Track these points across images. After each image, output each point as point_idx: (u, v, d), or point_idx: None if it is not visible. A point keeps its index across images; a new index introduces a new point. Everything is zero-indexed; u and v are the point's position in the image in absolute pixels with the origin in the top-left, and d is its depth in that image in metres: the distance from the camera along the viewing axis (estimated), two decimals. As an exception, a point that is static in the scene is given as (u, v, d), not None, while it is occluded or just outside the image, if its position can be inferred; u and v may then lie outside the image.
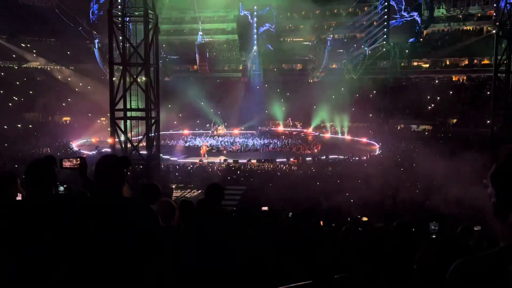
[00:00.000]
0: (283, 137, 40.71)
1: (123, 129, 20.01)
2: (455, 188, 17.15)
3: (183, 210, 5.13)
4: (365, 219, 14.46)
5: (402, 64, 45.44)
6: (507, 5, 23.72)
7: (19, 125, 38.50)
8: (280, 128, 44.14)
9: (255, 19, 48.18)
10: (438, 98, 41.58)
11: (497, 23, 25.89)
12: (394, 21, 41.24)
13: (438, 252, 4.29)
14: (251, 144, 37.35)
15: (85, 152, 30.83)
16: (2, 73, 44.74)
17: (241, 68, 50.58)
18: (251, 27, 47.47)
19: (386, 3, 41.47)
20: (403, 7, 40.67)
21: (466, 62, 42.91)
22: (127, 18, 20.09)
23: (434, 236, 6.73)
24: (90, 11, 42.20)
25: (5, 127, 37.35)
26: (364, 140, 38.68)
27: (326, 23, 51.10)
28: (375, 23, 45.91)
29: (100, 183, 2.84)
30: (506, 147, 1.38)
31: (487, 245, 7.17)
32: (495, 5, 26.67)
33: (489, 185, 1.39)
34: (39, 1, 46.72)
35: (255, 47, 47.66)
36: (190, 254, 3.85)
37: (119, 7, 20.46)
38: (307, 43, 50.13)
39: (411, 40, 42.60)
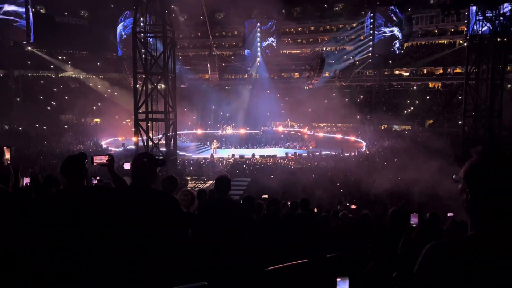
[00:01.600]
0: (282, 134, 40.86)
1: (145, 129, 20.11)
2: (431, 179, 17.15)
3: (200, 198, 5.18)
4: (353, 206, 14.46)
5: (386, 73, 45.39)
6: (477, 22, 23.76)
7: (56, 126, 38.70)
8: (280, 128, 44.12)
9: (259, 34, 48.16)
10: (417, 102, 41.63)
11: (468, 37, 25.87)
12: (378, 34, 41.12)
13: (415, 236, 4.29)
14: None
15: (113, 148, 30.89)
16: (42, 81, 44.97)
17: (246, 76, 50.54)
18: (255, 41, 47.48)
19: (372, 20, 41.37)
20: (383, 23, 40.68)
21: (441, 71, 42.88)
22: (148, 34, 20.14)
23: (413, 224, 6.70)
24: (118, 32, 42.19)
25: (44, 127, 37.60)
26: (352, 138, 38.65)
27: (320, 36, 51.06)
28: (362, 38, 45.78)
29: (136, 175, 2.86)
30: (476, 149, 1.38)
31: (459, 230, 7.17)
32: (466, 21, 26.67)
33: (461, 181, 1.39)
34: (73, 19, 46.78)
35: (259, 58, 47.65)
36: (204, 235, 3.87)
37: (141, 24, 20.54)
38: (303, 54, 50.22)
39: (391, 51, 42.52)
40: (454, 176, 1.45)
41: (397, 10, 40.92)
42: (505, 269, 1.24)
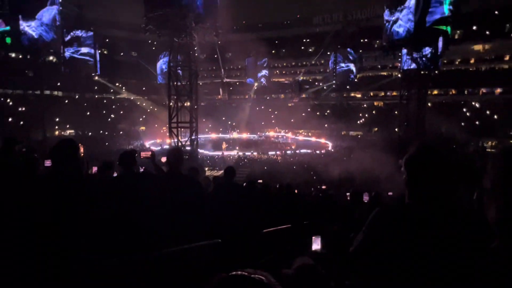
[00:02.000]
0: (273, 139, 40.94)
1: (176, 134, 20.09)
2: (376, 168, 17.18)
3: (214, 182, 5.17)
4: (324, 187, 14.49)
5: (345, 95, 45.51)
6: (407, 60, 23.95)
7: (114, 133, 38.84)
8: (271, 134, 44.15)
9: (256, 68, 48.36)
10: (366, 115, 41.69)
11: (401, 71, 26.10)
12: (339, 68, 41.29)
13: (366, 207, 4.31)
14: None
15: (153, 148, 30.83)
16: (105, 101, 44.92)
17: (246, 97, 50.63)
18: (254, 72, 47.69)
19: (334, 59, 41.64)
20: (342, 60, 40.98)
21: (383, 94, 42.96)
22: (179, 68, 20.15)
23: (365, 199, 6.71)
24: (158, 66, 42.46)
25: (106, 133, 37.69)
26: (322, 140, 38.64)
27: (299, 69, 51.40)
28: (328, 70, 45.97)
29: (170, 164, 2.86)
30: (415, 143, 1.40)
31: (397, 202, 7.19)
32: (399, 59, 26.92)
33: (402, 166, 1.40)
34: (126, 57, 47.06)
35: (256, 84, 47.81)
36: (217, 207, 3.87)
37: (174, 61, 20.56)
38: (287, 82, 50.70)
39: (348, 80, 42.82)
40: (399, 161, 1.47)
41: (352, 52, 41.12)
42: (424, 225, 1.28)
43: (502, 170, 0.75)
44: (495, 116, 30.94)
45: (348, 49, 41.77)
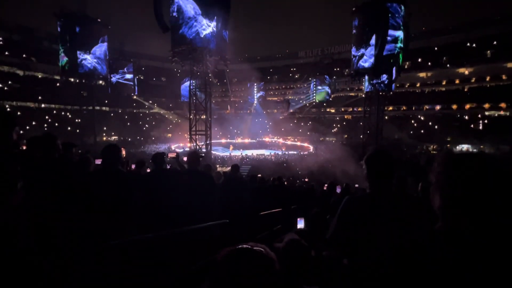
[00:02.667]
0: (268, 143, 40.81)
1: (194, 139, 20.00)
2: (346, 165, 17.08)
3: (224, 175, 5.13)
4: (306, 180, 14.39)
5: (322, 110, 45.40)
6: (369, 85, 23.99)
7: (148, 139, 38.61)
8: (267, 139, 44.03)
9: (255, 89, 48.34)
10: (339, 125, 41.60)
11: (365, 92, 26.14)
12: (318, 90, 41.36)
13: (339, 196, 4.28)
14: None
15: (178, 150, 30.63)
16: (141, 114, 44.71)
17: (249, 111, 50.54)
18: (253, 93, 47.66)
19: (314, 83, 41.73)
20: (319, 84, 41.04)
21: (351, 109, 42.85)
22: (197, 90, 20.13)
23: (338, 190, 6.67)
24: (182, 88, 42.50)
25: (142, 139, 37.44)
26: (306, 144, 38.50)
27: (287, 91, 51.37)
28: (309, 91, 45.96)
29: (189, 163, 2.85)
30: (372, 147, 1.41)
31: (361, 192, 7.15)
32: (364, 83, 27.02)
33: (363, 164, 1.40)
34: (157, 81, 47.30)
35: (255, 101, 47.81)
36: (225, 195, 3.85)
37: (194, 85, 20.51)
38: (279, 100, 50.48)
39: (325, 99, 42.76)
40: (360, 162, 1.47)
41: (327, 78, 41.37)
42: (381, 208, 1.27)
43: (444, 168, 0.76)
44: (436, 127, 31.08)
45: (325, 76, 42.02)
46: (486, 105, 29.79)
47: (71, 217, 1.55)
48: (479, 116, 29.36)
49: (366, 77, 24.09)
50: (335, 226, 1.40)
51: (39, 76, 35.85)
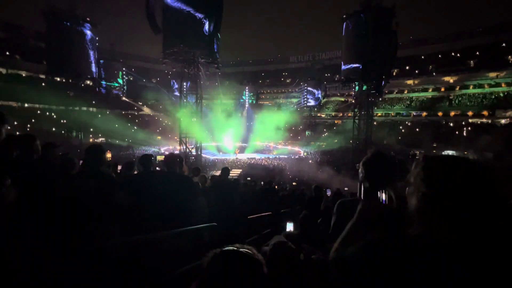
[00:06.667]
0: (259, 146, 40.79)
1: (185, 142, 19.79)
2: (335, 169, 17.27)
3: (212, 179, 5.06)
4: (294, 183, 14.44)
5: (313, 114, 45.85)
6: (358, 91, 24.39)
7: (136, 141, 37.97)
8: (259, 143, 44.07)
9: (247, 93, 48.53)
10: (329, 130, 42.12)
11: (354, 98, 26.57)
12: (309, 95, 41.91)
13: (329, 200, 4.28)
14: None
15: (166, 152, 30.25)
16: (130, 116, 43.91)
17: (240, 115, 50.67)
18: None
19: (305, 88, 42.33)
20: (310, 89, 41.63)
21: (341, 114, 43.37)
22: (188, 92, 19.99)
23: (328, 193, 6.71)
24: (172, 91, 42.19)
25: (130, 141, 36.74)
26: (296, 148, 38.76)
27: (280, 96, 51.76)
28: (300, 96, 46.51)
29: (167, 165, 2.78)
30: (370, 150, 1.40)
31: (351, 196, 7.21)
32: (354, 88, 27.54)
33: (360, 167, 1.40)
34: (146, 83, 46.91)
35: (247, 105, 47.90)
36: (214, 198, 3.79)
37: (185, 87, 20.37)
38: (270, 104, 50.76)
39: (316, 104, 43.33)
40: (356, 165, 1.48)
41: (318, 82, 42.02)
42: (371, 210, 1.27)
43: (421, 170, 0.76)
44: (422, 132, 32.01)
45: (316, 81, 42.63)
46: (470, 113, 30.91)
47: (44, 220, 1.48)
48: (463, 123, 30.40)
49: (356, 82, 24.57)
50: (334, 222, 1.46)
51: (23, 75, 34.79)
